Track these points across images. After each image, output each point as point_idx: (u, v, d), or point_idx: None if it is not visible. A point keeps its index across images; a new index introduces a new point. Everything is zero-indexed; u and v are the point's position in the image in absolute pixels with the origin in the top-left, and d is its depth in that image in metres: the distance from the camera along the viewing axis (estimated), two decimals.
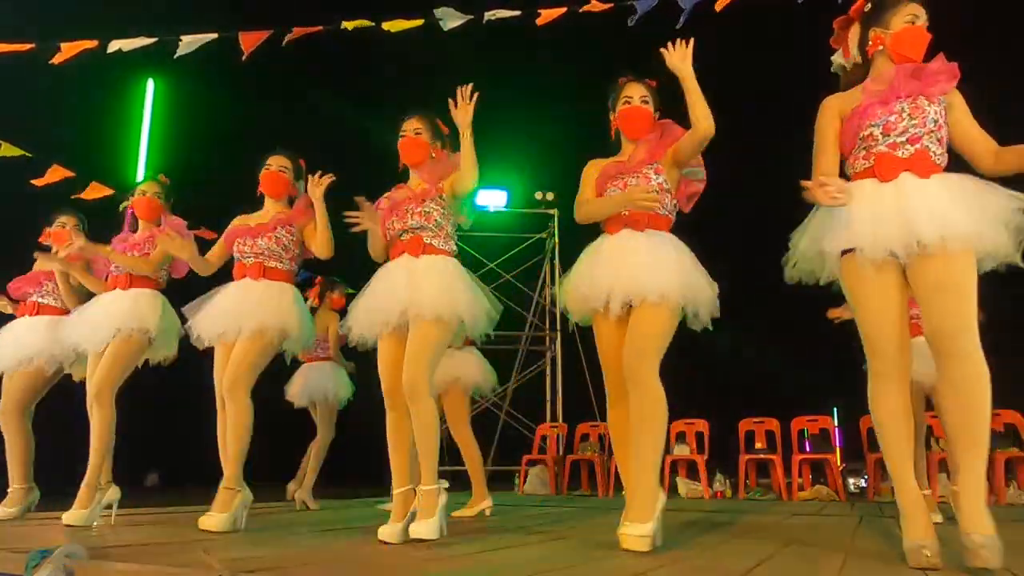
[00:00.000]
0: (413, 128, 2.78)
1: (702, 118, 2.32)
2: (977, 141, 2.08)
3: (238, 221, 3.21)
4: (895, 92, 2.10)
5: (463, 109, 2.54)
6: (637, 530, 2.11)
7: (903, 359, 2.01)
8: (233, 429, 2.86)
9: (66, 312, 3.72)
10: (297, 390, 4.67)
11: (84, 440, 3.28)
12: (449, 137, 2.79)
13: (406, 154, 2.78)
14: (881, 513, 4.26)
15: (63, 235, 3.65)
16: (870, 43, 2.19)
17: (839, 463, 7.38)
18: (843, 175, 2.19)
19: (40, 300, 3.75)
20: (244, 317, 2.90)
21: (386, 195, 2.79)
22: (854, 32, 2.26)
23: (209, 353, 3.13)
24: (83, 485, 3.11)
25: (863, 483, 8.14)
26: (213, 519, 2.71)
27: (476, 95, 2.54)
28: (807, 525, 3.40)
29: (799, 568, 1.98)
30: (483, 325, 2.63)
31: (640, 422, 2.25)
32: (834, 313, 4.06)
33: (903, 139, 2.05)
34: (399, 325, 2.54)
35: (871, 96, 2.14)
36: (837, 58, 2.34)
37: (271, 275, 3.01)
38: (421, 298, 2.48)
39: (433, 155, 2.74)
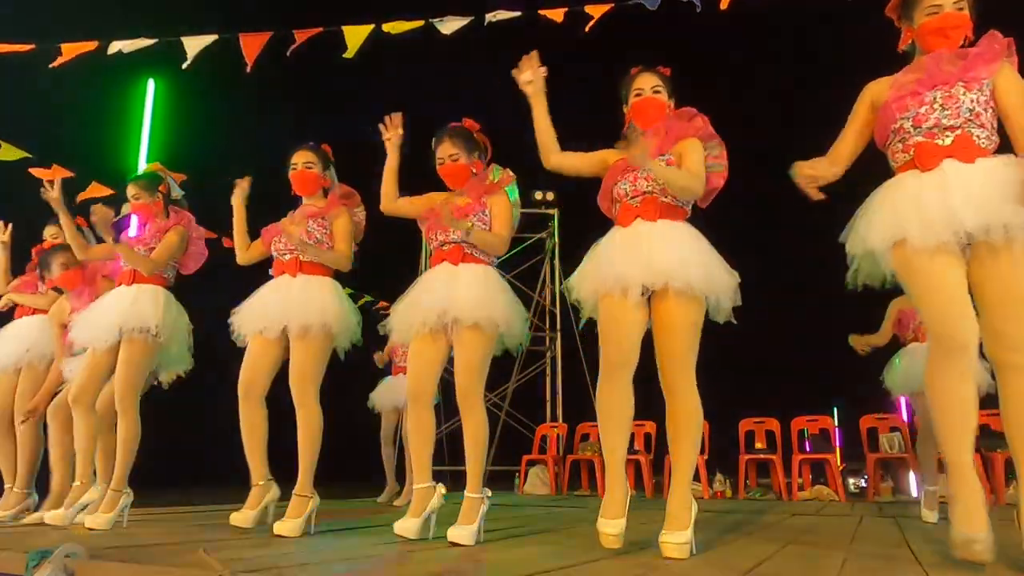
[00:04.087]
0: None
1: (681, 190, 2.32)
2: (1015, 123, 1.98)
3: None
4: (930, 81, 2.04)
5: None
6: (676, 538, 2.11)
7: (969, 336, 1.89)
8: (304, 435, 2.86)
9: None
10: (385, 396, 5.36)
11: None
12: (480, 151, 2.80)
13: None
14: (881, 513, 4.26)
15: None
16: (904, 37, 2.18)
17: (839, 463, 7.38)
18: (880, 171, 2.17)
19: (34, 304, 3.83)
20: (288, 315, 2.87)
21: (439, 199, 2.81)
22: (901, 25, 2.22)
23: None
24: (109, 490, 3.11)
25: (863, 483, 8.15)
26: (287, 524, 2.69)
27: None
28: (807, 525, 3.40)
29: (799, 568, 1.98)
30: (519, 332, 2.67)
31: (680, 433, 2.24)
32: (857, 344, 4.01)
33: (938, 130, 2.00)
34: (435, 328, 2.58)
35: (900, 88, 2.10)
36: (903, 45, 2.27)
37: (308, 269, 2.97)
38: (458, 303, 2.53)
39: (475, 171, 2.75)
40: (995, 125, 2.02)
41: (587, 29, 4.11)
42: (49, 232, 3.90)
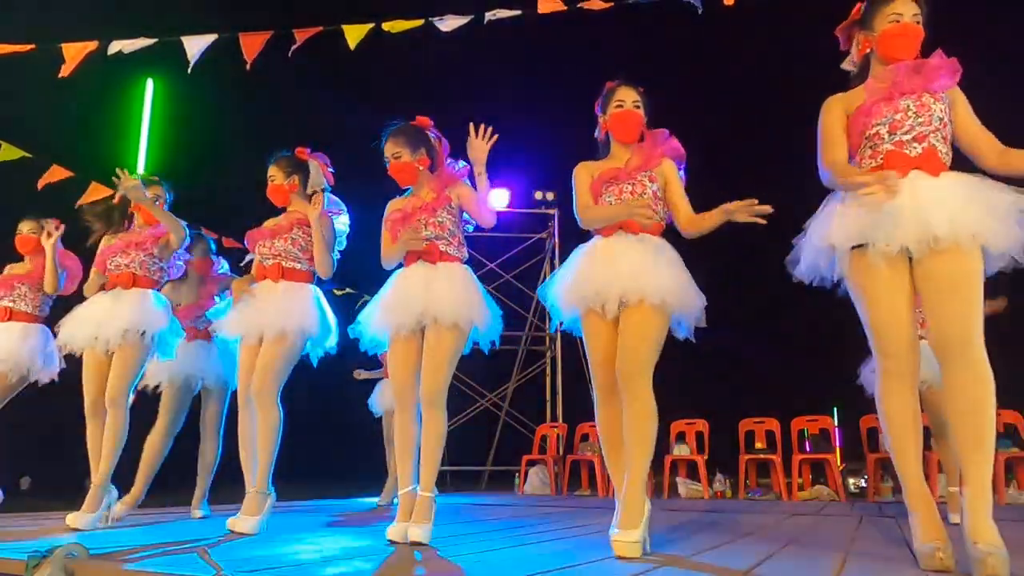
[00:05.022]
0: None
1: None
2: (980, 138, 2.07)
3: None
4: (899, 88, 2.08)
5: (478, 147, 2.59)
6: (628, 536, 2.12)
7: (913, 357, 2.00)
8: (263, 434, 2.88)
9: (36, 319, 3.72)
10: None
11: (82, 442, 3.29)
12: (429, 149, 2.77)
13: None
14: (881, 513, 4.26)
15: (28, 241, 3.76)
16: (860, 46, 2.21)
17: (839, 463, 7.38)
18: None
19: (11, 305, 3.68)
20: (265, 320, 2.90)
21: (396, 207, 2.79)
22: (856, 38, 2.27)
23: None
24: (92, 487, 3.11)
25: (863, 483, 8.14)
26: (244, 522, 2.71)
27: (495, 136, 2.59)
28: (807, 525, 3.40)
29: (799, 568, 1.98)
30: (494, 329, 2.68)
31: (633, 434, 2.24)
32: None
33: (909, 137, 2.04)
34: (414, 329, 2.58)
35: (874, 94, 2.13)
36: (847, 63, 2.34)
37: (290, 276, 3.00)
38: (440, 304, 2.53)
39: (420, 168, 2.74)
40: (950, 141, 2.08)
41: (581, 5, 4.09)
42: (27, 227, 3.77)
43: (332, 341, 3.08)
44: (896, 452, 2.02)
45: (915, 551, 1.93)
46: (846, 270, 2.08)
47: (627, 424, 2.26)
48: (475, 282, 2.68)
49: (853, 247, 2.03)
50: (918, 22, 2.13)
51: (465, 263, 2.73)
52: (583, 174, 2.56)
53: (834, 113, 2.21)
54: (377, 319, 2.66)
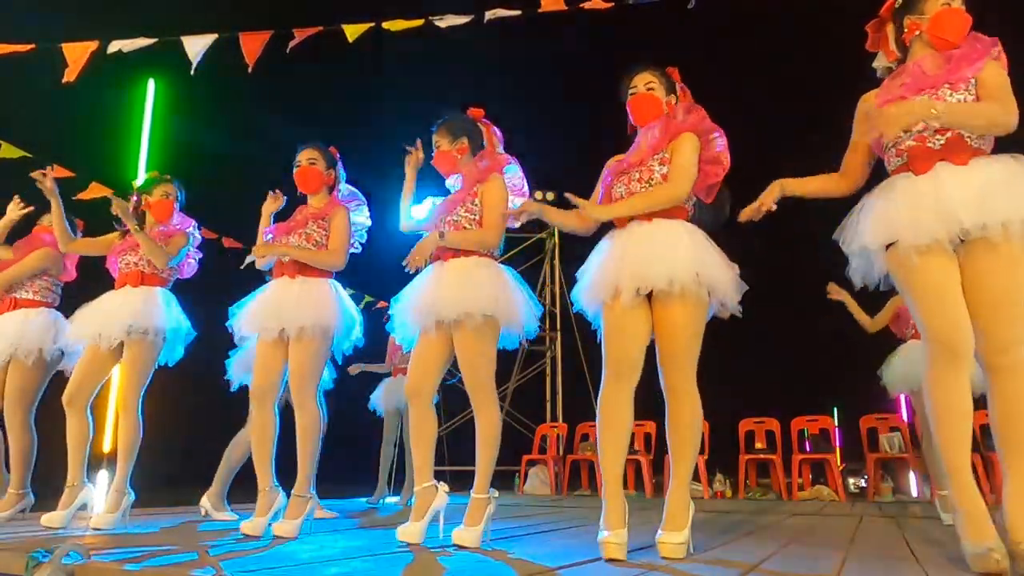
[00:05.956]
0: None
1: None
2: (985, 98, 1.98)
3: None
4: (910, 89, 2.06)
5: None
6: (674, 538, 2.13)
7: (965, 343, 1.89)
8: (302, 437, 2.84)
9: (41, 304, 3.68)
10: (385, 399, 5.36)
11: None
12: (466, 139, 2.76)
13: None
14: (881, 513, 4.26)
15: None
16: (906, 31, 2.16)
17: (839, 463, 7.38)
18: (882, 175, 2.17)
19: (16, 295, 3.66)
20: (285, 317, 2.86)
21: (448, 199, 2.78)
22: (890, 30, 2.24)
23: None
24: (111, 490, 3.11)
25: (863, 483, 8.14)
26: (285, 525, 2.69)
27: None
28: (807, 525, 3.40)
29: (799, 568, 1.98)
30: (529, 324, 2.64)
31: (680, 435, 2.24)
32: (837, 295, 3.85)
33: (929, 132, 2.01)
34: (438, 324, 2.53)
35: (887, 94, 2.12)
36: (879, 61, 2.30)
37: (307, 272, 2.96)
38: (463, 297, 2.48)
39: (458, 155, 2.73)
40: None
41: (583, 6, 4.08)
42: (48, 219, 3.76)
43: (357, 333, 3.05)
44: (943, 443, 1.92)
45: (964, 552, 1.86)
46: (886, 269, 2.06)
47: (675, 428, 2.24)
48: (503, 274, 2.62)
49: (887, 246, 2.02)
50: (965, 10, 2.10)
51: (495, 257, 2.68)
52: (605, 171, 2.55)
53: (857, 115, 2.24)
54: (403, 316, 2.63)
